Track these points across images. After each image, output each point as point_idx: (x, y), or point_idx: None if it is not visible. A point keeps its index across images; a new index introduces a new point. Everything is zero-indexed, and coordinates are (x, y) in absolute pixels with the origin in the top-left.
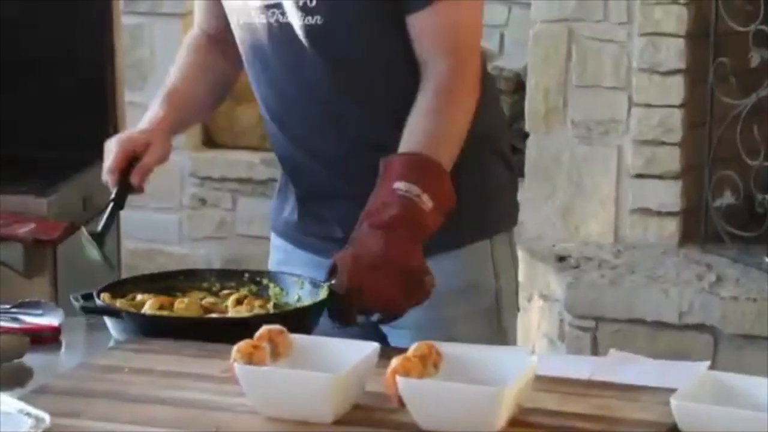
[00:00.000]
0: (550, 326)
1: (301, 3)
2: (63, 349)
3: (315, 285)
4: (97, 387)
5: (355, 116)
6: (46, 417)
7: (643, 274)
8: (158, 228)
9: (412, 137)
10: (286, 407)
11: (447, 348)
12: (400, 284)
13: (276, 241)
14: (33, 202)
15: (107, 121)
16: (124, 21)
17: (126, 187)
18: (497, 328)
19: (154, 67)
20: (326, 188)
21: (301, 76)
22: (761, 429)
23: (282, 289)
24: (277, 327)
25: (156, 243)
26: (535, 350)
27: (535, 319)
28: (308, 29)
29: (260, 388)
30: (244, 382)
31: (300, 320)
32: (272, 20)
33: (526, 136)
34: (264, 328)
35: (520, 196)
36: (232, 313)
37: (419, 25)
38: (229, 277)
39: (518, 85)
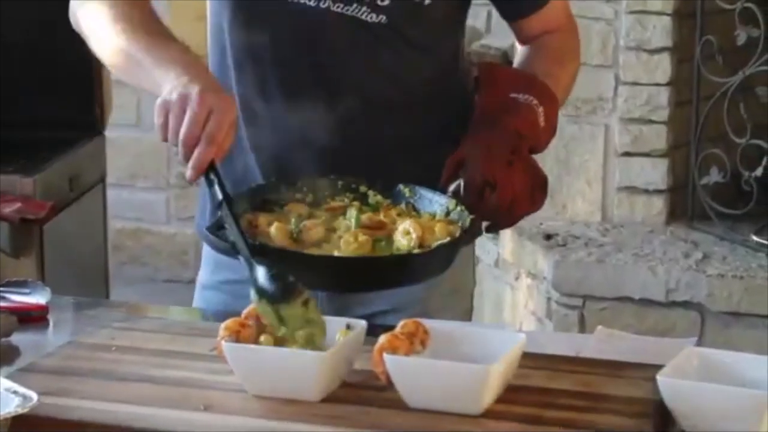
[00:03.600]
0: (538, 304)
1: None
2: (51, 328)
3: (429, 194)
4: (85, 365)
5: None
6: (34, 395)
7: (630, 252)
8: (145, 207)
9: (527, 65)
10: (274, 385)
11: (434, 325)
12: (528, 184)
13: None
14: (19, 182)
15: (93, 101)
16: None
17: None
18: (467, 311)
19: None
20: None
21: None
22: (747, 404)
23: (385, 197)
24: None
25: (143, 222)
26: (523, 328)
27: (522, 297)
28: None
29: (248, 366)
30: (231, 360)
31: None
32: (323, 6)
33: None
34: (251, 306)
35: None
36: (400, 235)
37: (528, 25)
38: (321, 185)
39: (506, 62)
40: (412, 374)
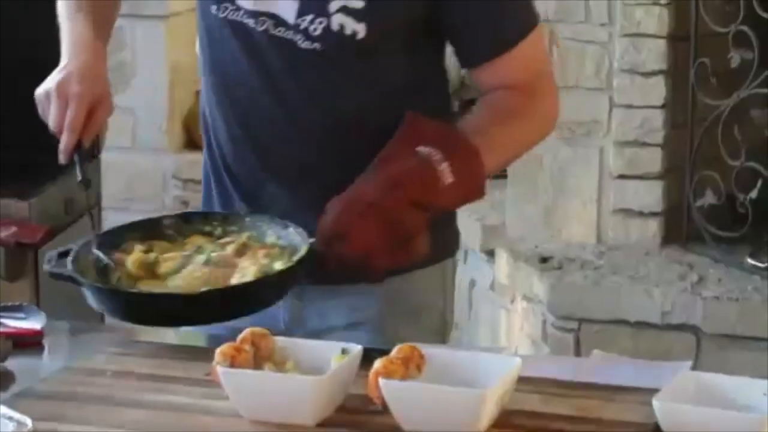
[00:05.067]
0: (533, 328)
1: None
2: (46, 352)
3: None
4: (80, 391)
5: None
6: (28, 421)
7: (625, 275)
8: None
9: (464, 120)
10: (270, 410)
11: (430, 350)
12: (386, 237)
13: None
14: (15, 206)
15: None
16: None
17: (85, 153)
18: (442, 337)
19: (135, 70)
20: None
21: (286, 92)
22: (743, 429)
23: (278, 237)
24: (260, 329)
25: None
26: (519, 352)
27: (518, 320)
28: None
29: (243, 391)
30: (227, 386)
31: (282, 282)
32: (261, 28)
33: None
34: (247, 331)
35: (503, 197)
36: (237, 276)
37: (485, 73)
38: (232, 220)
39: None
40: (408, 399)
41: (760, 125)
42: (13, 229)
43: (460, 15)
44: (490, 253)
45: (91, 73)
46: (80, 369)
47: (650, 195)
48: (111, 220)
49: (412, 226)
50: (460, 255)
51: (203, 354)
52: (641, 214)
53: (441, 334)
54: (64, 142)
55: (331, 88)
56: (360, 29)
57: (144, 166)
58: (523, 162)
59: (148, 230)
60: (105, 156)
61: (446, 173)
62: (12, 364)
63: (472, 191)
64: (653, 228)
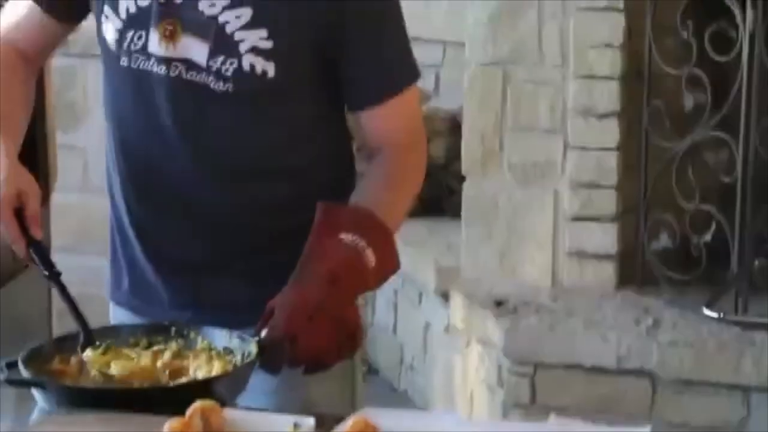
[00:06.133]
0: (489, 372)
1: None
2: None
3: (242, 339)
4: None
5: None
6: None
7: (581, 318)
8: (91, 272)
9: (362, 197)
10: None
11: (385, 421)
12: (334, 336)
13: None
14: None
15: (37, 165)
16: (57, 63)
17: (41, 249)
18: (351, 389)
19: (87, 109)
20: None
21: (199, 135)
22: None
23: (209, 342)
24: (209, 403)
25: (89, 287)
26: (474, 398)
27: (473, 364)
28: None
29: None
30: None
31: (239, 379)
32: (174, 74)
33: (462, 178)
34: (196, 405)
35: (458, 239)
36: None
37: (370, 119)
38: (156, 331)
39: (454, 126)
40: None
41: (714, 168)
42: None
43: (354, 58)
44: (445, 296)
45: (2, 177)
46: None
47: (605, 237)
48: (63, 263)
49: (354, 320)
50: (414, 297)
51: (158, 424)
52: (596, 256)
53: (351, 375)
54: (16, 251)
55: (244, 128)
56: (269, 68)
57: (95, 206)
58: (477, 204)
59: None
60: (55, 197)
61: (371, 258)
62: None
63: (392, 269)
64: (608, 270)
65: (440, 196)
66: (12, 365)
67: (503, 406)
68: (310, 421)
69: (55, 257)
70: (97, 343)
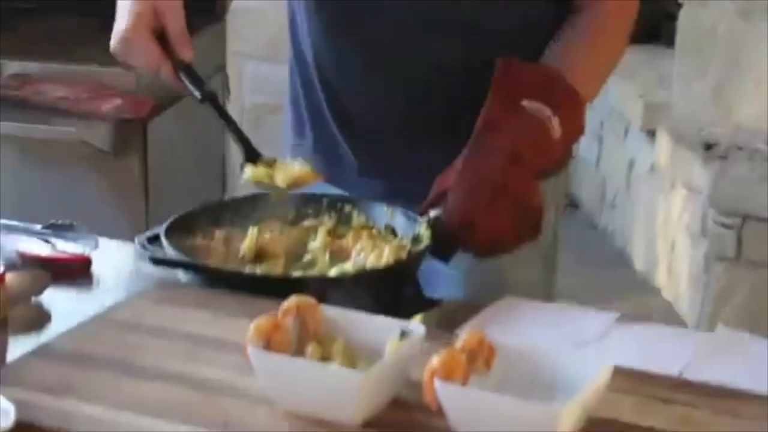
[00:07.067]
0: (693, 220)
1: None
2: (94, 285)
3: (408, 217)
4: (101, 352)
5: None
6: (11, 411)
7: None
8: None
9: (553, 55)
10: (308, 404)
11: (504, 341)
12: (515, 223)
13: None
14: (121, 76)
15: None
16: None
17: (189, 71)
18: (550, 276)
19: None
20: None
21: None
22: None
23: (368, 219)
24: (306, 300)
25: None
26: (676, 245)
27: (676, 209)
28: None
29: (277, 379)
30: (258, 370)
31: (411, 268)
32: None
33: (679, 4)
34: (292, 301)
35: (671, 71)
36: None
37: None
38: (306, 202)
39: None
40: (468, 408)
41: None
42: (118, 102)
43: None
44: (652, 133)
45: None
46: (110, 321)
47: None
48: (257, 71)
49: (538, 205)
50: (620, 131)
51: (265, 308)
52: None
53: (551, 261)
54: (163, 76)
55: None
56: None
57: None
58: (693, 33)
59: (221, 215)
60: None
61: (557, 129)
62: (52, 298)
63: (575, 139)
64: None
65: (657, 21)
66: (153, 240)
67: (705, 258)
68: (419, 330)
69: (249, 65)
70: (262, 157)
